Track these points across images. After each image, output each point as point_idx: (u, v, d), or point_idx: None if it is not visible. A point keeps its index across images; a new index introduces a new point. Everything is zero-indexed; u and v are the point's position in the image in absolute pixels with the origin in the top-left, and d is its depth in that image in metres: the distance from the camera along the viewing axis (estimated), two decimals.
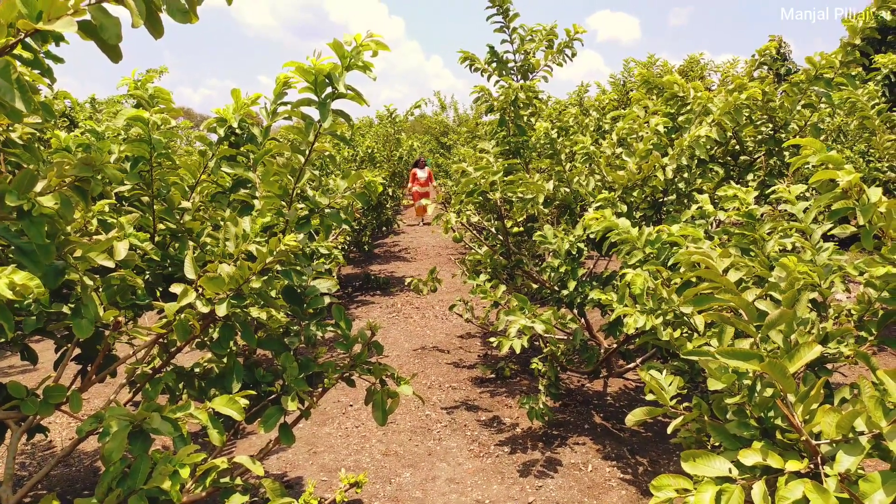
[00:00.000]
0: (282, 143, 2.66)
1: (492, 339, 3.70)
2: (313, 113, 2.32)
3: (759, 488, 1.57)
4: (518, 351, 3.37)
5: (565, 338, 4.41)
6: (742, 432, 1.78)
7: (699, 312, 2.15)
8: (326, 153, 2.37)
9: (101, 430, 1.76)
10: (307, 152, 2.38)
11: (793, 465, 1.58)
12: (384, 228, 10.44)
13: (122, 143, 2.63)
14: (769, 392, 1.74)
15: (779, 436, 1.70)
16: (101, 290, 2.07)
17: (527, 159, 4.98)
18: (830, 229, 2.39)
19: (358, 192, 2.54)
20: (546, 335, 3.78)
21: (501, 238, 4.57)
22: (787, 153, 4.39)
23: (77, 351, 2.68)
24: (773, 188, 2.56)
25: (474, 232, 5.37)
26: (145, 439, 1.74)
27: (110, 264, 1.91)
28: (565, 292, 4.07)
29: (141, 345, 2.50)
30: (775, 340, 1.92)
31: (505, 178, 4.14)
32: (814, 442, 1.57)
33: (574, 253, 3.80)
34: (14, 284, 1.20)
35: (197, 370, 2.79)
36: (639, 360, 4.61)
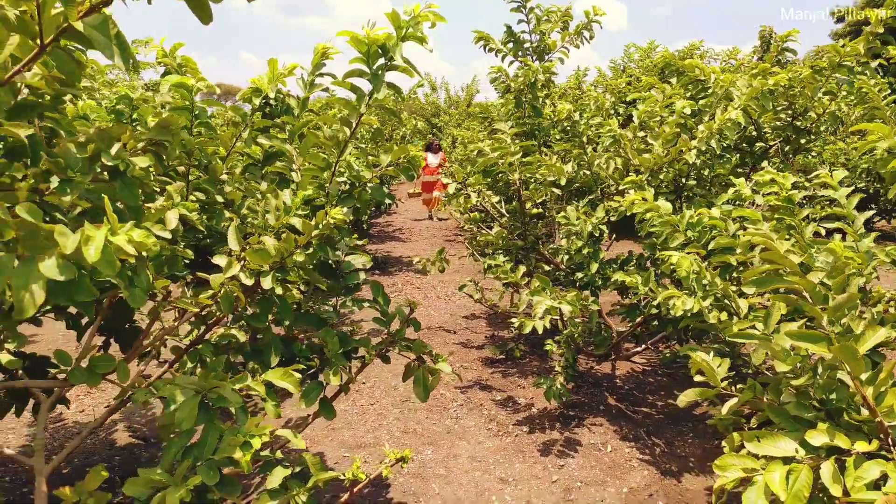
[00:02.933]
0: (323, 115, 2.62)
1: (512, 320, 3.71)
2: (362, 84, 2.28)
3: (828, 468, 1.59)
4: (541, 331, 3.38)
5: (580, 320, 4.43)
6: (803, 413, 1.80)
7: (760, 294, 2.16)
8: (374, 126, 2.34)
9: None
10: (354, 125, 2.35)
11: (861, 446, 1.60)
12: (382, 207, 10.38)
13: (157, 110, 2.57)
14: (834, 374, 1.76)
15: (845, 417, 1.72)
16: (149, 259, 2.03)
17: (541, 141, 4.96)
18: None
19: (403, 166, 2.50)
20: (571, 316, 3.78)
21: (518, 219, 4.56)
22: (803, 140, 4.42)
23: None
24: (815, 174, 2.58)
25: (482, 213, 5.35)
26: (207, 410, 1.71)
27: (166, 235, 1.87)
28: (580, 274, 4.07)
29: (177, 317, 2.46)
30: (823, 325, 1.94)
31: (523, 160, 4.13)
32: (886, 423, 1.60)
33: (597, 235, 3.81)
34: (133, 241, 1.17)
35: (224, 343, 2.76)
36: (648, 343, 4.66)
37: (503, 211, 4.97)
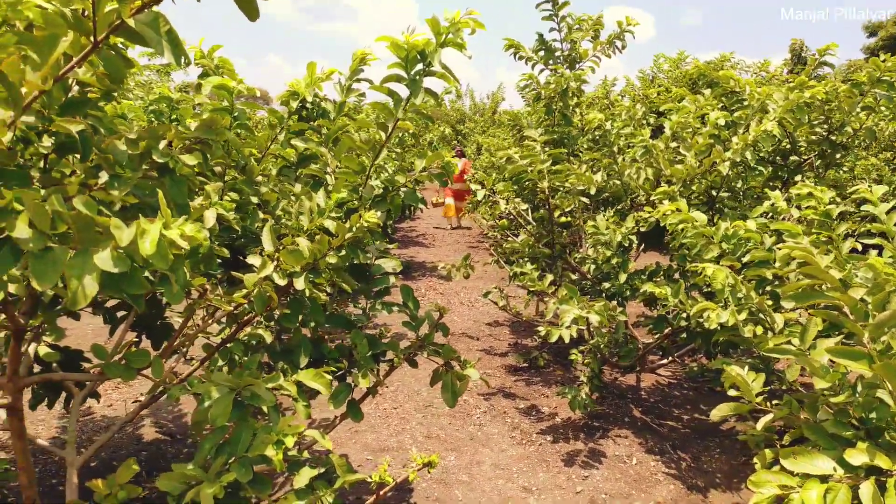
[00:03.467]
0: (359, 119, 2.63)
1: (538, 328, 3.69)
2: (399, 89, 2.29)
3: (867, 488, 1.55)
4: (567, 340, 3.35)
5: (606, 330, 4.40)
6: (841, 431, 1.76)
7: (795, 310, 2.13)
8: (409, 130, 2.35)
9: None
10: (390, 129, 2.36)
11: None
12: (406, 213, 10.42)
13: (195, 111, 2.61)
14: (874, 393, 1.72)
15: (886, 437, 1.68)
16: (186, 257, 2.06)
17: (570, 150, 4.95)
18: None
19: (436, 172, 2.51)
20: (598, 326, 3.76)
21: (546, 227, 4.54)
22: (838, 155, 4.36)
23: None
24: (855, 188, 2.53)
25: (509, 220, 5.34)
26: (241, 408, 1.73)
27: (204, 233, 1.89)
28: (607, 284, 4.04)
29: (206, 315, 2.49)
30: (864, 342, 1.90)
31: (552, 168, 4.12)
32: None
33: (626, 245, 3.78)
34: (185, 235, 1.19)
35: (254, 343, 2.78)
36: (674, 355, 4.61)
37: (530, 219, 4.95)
